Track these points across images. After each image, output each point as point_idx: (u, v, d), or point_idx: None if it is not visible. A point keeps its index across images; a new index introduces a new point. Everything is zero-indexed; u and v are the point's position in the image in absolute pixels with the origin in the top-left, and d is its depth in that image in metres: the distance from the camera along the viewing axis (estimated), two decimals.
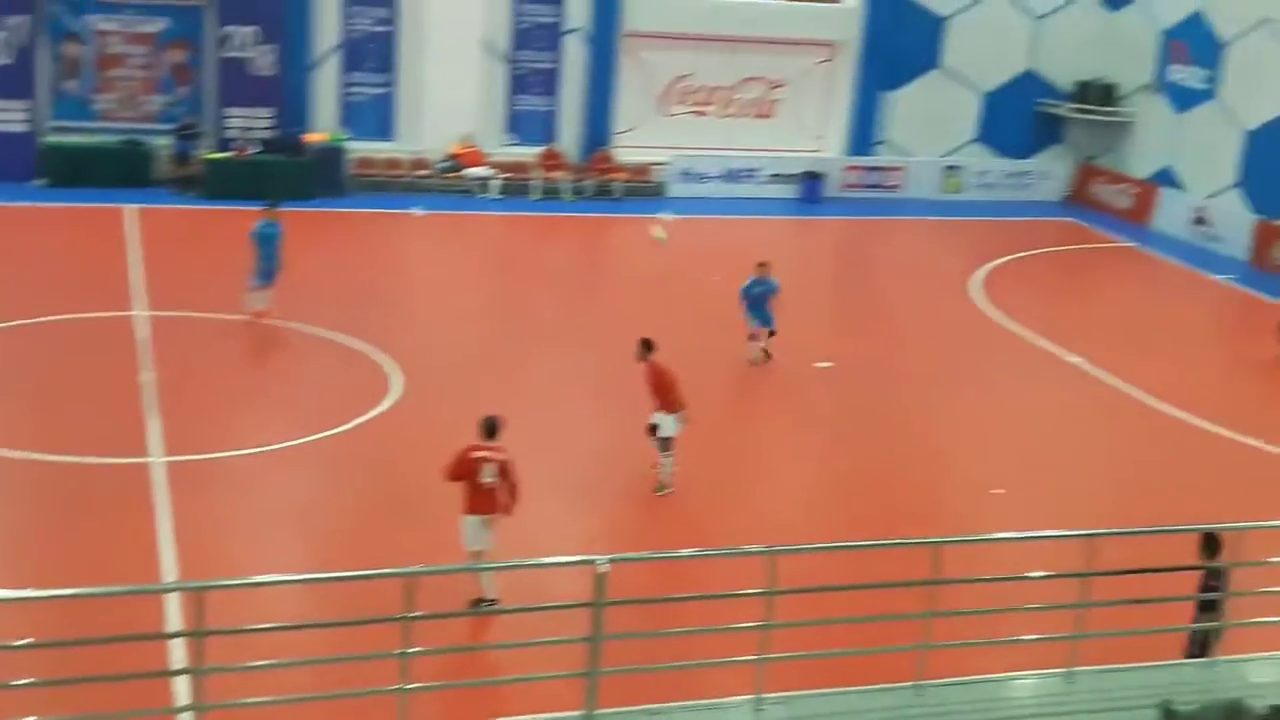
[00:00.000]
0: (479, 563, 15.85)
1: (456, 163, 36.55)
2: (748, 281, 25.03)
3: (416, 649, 10.23)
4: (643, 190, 38.03)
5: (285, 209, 26.21)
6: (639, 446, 20.05)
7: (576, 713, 10.57)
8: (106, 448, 19.48)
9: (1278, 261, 30.69)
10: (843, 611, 12.27)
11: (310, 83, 35.97)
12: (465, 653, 14.14)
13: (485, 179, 36.41)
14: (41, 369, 22.49)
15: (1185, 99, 38.93)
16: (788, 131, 40.13)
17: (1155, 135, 39.98)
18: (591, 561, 10.25)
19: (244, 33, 34.77)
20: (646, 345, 19.85)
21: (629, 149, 38.42)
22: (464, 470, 15.98)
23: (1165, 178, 39.43)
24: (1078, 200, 41.49)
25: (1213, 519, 17.72)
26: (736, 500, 19.93)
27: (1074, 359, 26.65)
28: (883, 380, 24.95)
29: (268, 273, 25.13)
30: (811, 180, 39.10)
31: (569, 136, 37.88)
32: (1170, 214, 38.64)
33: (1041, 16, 40.73)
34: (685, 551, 15.24)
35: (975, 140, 41.38)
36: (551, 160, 37.17)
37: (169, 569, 16.29)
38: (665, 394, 19.53)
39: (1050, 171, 41.82)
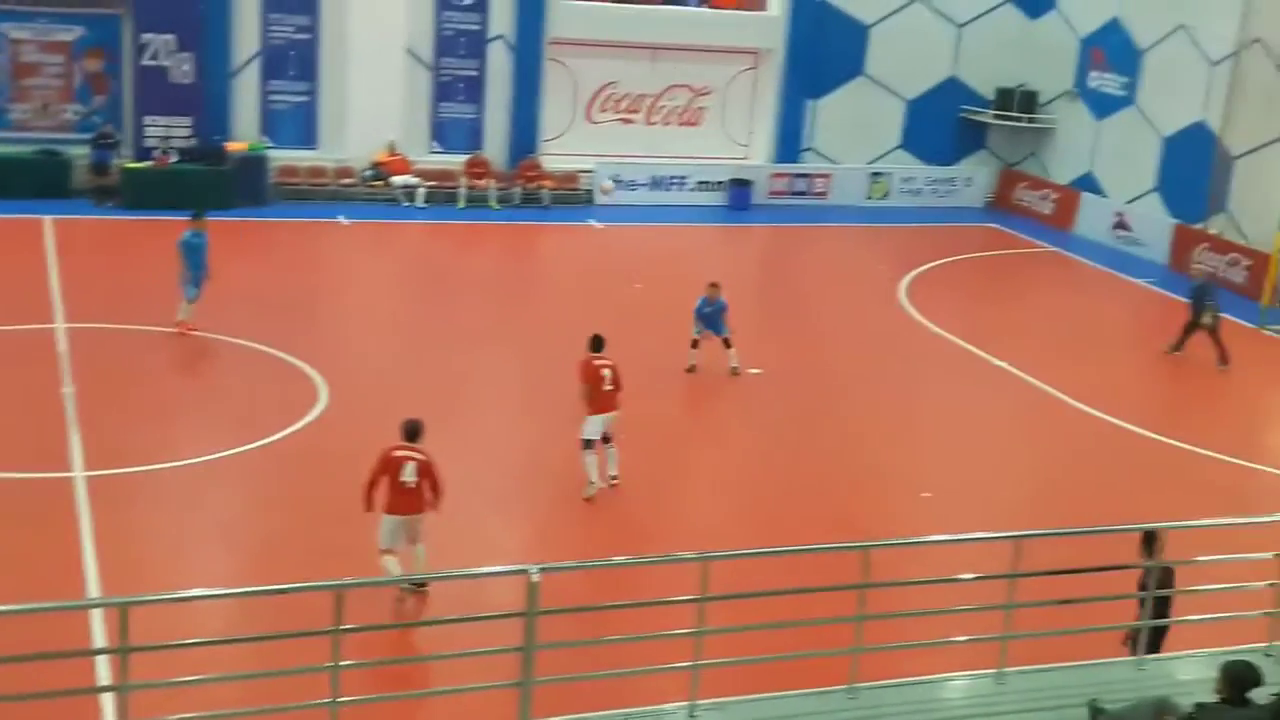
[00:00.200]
0: (392, 562, 16.02)
1: (381, 171, 36.36)
2: (698, 302, 25.05)
3: (347, 662, 10.12)
4: (570, 198, 38.00)
5: (209, 219, 25.88)
6: (569, 452, 20.07)
7: None
8: (28, 462, 19.16)
9: (1194, 265, 31.07)
10: (776, 616, 12.26)
11: (230, 91, 35.63)
12: (397, 665, 14.01)
13: (411, 187, 36.24)
14: None
15: (1104, 105, 39.37)
16: (714, 139, 40.26)
17: (1076, 141, 40.41)
18: (524, 570, 10.18)
19: (162, 40, 34.40)
20: (589, 342, 20.07)
21: (556, 157, 38.37)
22: (385, 468, 16.07)
23: (1086, 183, 39.87)
24: (1000, 206, 41.89)
25: (1134, 518, 17.92)
26: (667, 506, 19.96)
27: (1000, 362, 26.86)
28: (812, 386, 25.04)
29: (197, 283, 24.87)
30: (739, 187, 39.21)
31: (495, 144, 37.76)
32: (1091, 219, 39.09)
33: (963, 24, 41.04)
34: (618, 559, 15.23)
35: (900, 147, 41.64)
36: (477, 168, 37.03)
37: (93, 584, 16.07)
38: (588, 393, 19.63)
39: (973, 178, 42.20)
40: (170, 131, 34.61)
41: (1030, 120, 41.21)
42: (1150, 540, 13.78)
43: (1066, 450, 23.32)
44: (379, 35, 36.03)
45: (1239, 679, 10.55)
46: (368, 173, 36.35)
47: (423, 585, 16.22)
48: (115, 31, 34.61)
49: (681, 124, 40.18)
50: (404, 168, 36.49)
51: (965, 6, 40.88)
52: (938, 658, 13.38)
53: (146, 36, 34.33)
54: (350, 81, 36.06)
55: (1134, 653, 12.85)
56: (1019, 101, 41.01)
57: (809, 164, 40.70)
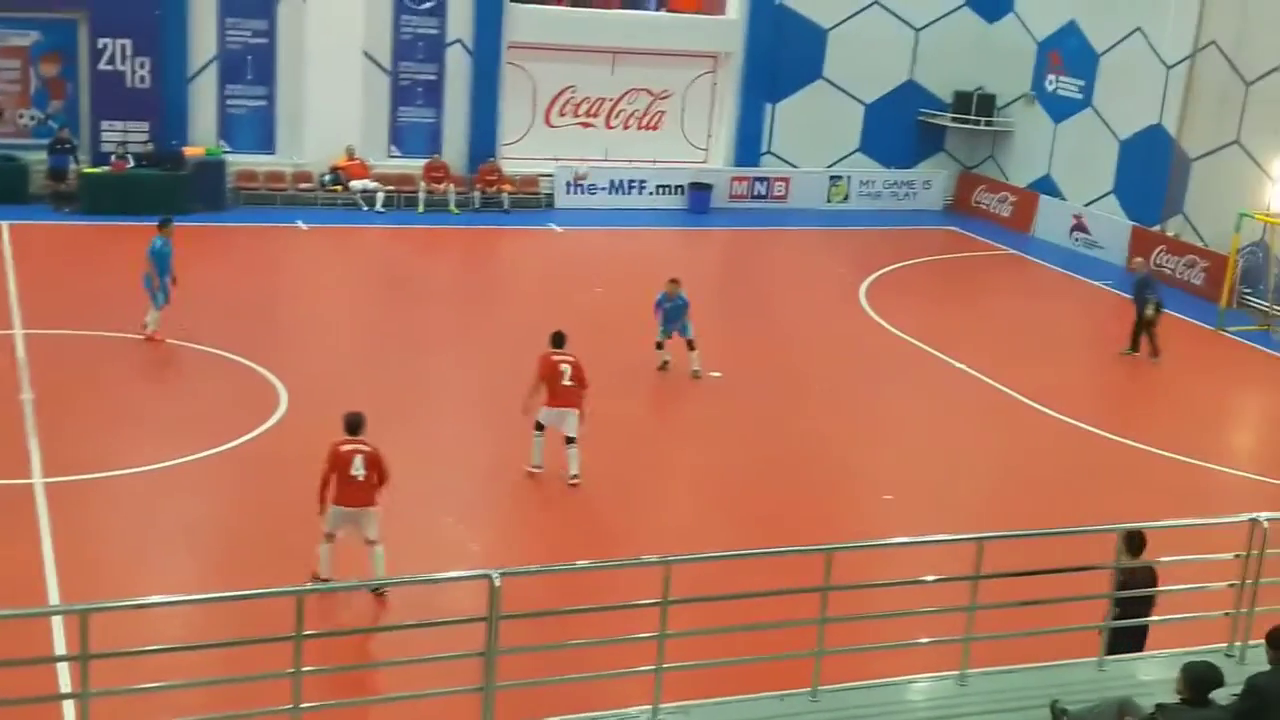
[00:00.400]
0: (325, 550, 16.22)
1: (340, 175, 36.24)
2: (659, 296, 25.14)
3: (309, 668, 10.08)
4: (530, 202, 37.98)
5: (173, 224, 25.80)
6: (529, 452, 20.27)
7: None
8: None
9: (1134, 259, 31.28)
10: (739, 618, 12.26)
11: (188, 95, 35.44)
12: (360, 670, 13.96)
13: (370, 192, 36.14)
14: None
15: (1062, 108, 39.58)
16: (674, 143, 40.27)
17: (1033, 144, 40.61)
18: (486, 575, 10.16)
19: (118, 45, 34.19)
20: (550, 338, 20.40)
21: (515, 161, 38.33)
22: (335, 465, 16.14)
23: (1044, 186, 40.06)
24: (959, 209, 42.06)
25: (1094, 518, 18.05)
26: (630, 508, 20.00)
27: (959, 364, 26.96)
28: (773, 389, 25.08)
29: (165, 290, 24.73)
30: (699, 191, 39.25)
31: (454, 148, 37.68)
32: (1050, 222, 39.30)
33: (921, 28, 41.18)
34: (581, 563, 15.21)
35: (859, 150, 41.75)
36: (436, 172, 36.95)
37: (54, 591, 15.97)
38: (539, 387, 19.98)
39: (932, 180, 42.34)
40: (127, 136, 34.44)
41: (988, 123, 41.41)
42: (1133, 540, 13.87)
43: (1026, 451, 23.43)
44: (336, 39, 35.91)
45: (1200, 679, 10.61)
46: (326, 177, 36.22)
47: (380, 591, 16.28)
48: (72, 36, 34.37)
49: (641, 128, 40.15)
50: (362, 172, 36.38)
51: (923, 10, 41.03)
52: (901, 660, 13.41)
53: (103, 41, 34.12)
54: (308, 86, 35.93)
55: (1109, 652, 12.92)
56: (977, 105, 41.20)
57: (768, 167, 40.77)
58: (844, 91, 41.04)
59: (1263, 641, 11.14)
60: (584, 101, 39.42)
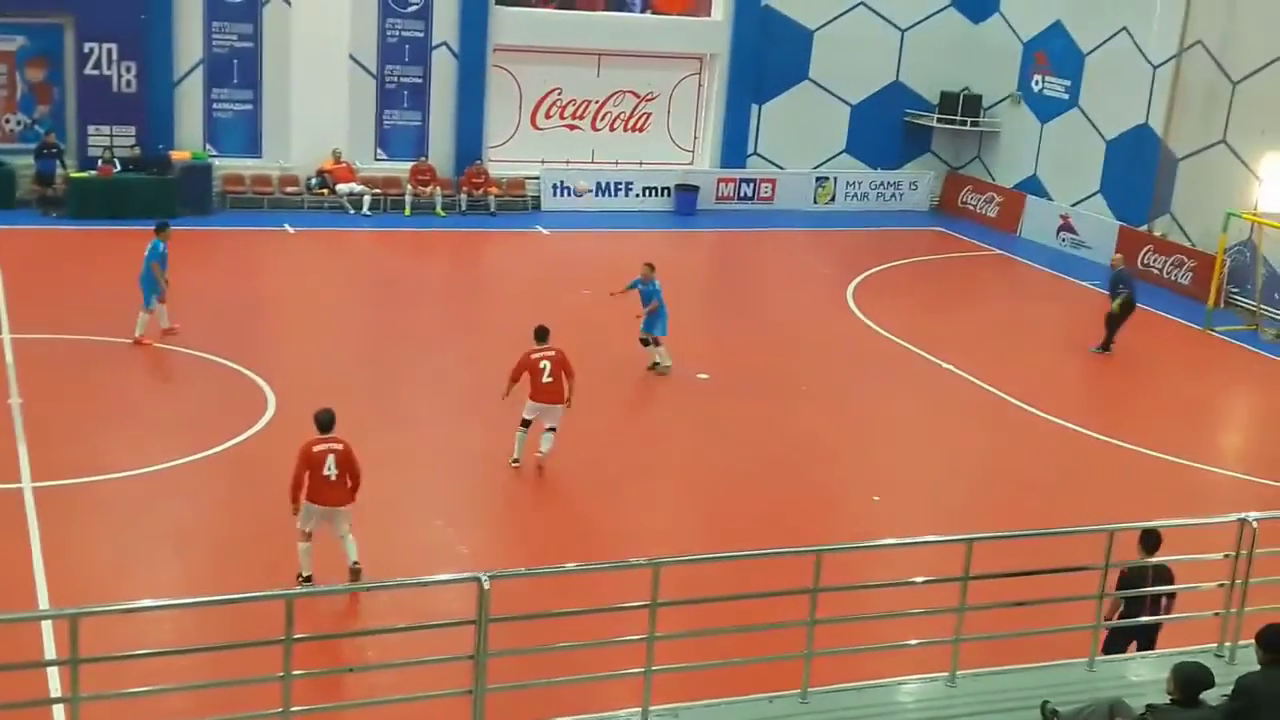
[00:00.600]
0: (305, 550, 16.34)
1: (326, 179, 36.19)
2: (635, 279, 25.29)
3: (299, 672, 10.06)
4: (516, 204, 37.97)
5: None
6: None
7: None
8: None
9: (1114, 255, 31.35)
10: (728, 620, 12.26)
11: (174, 99, 35.37)
12: (350, 674, 13.93)
13: (356, 195, 36.10)
14: None
15: (1048, 108, 39.64)
16: (660, 145, 40.26)
17: (1020, 144, 40.67)
18: (475, 578, 10.15)
19: (104, 49, 34.11)
20: (534, 333, 20.73)
21: (502, 163, 38.31)
22: (307, 465, 16.30)
23: (1031, 186, 40.12)
24: (946, 210, 42.11)
25: (1082, 519, 18.06)
26: (618, 510, 19.98)
27: (946, 365, 26.98)
28: (761, 390, 25.06)
29: (160, 294, 24.80)
30: (686, 193, 39.25)
31: (440, 151, 37.64)
32: (1036, 222, 39.37)
33: (906, 28, 41.23)
34: (569, 565, 15.19)
35: (845, 151, 41.78)
36: (422, 175, 36.91)
37: (43, 596, 15.94)
38: (529, 382, 20.35)
39: (918, 181, 42.37)
40: (114, 140, 34.35)
41: (974, 124, 41.47)
42: (1149, 539, 13.93)
43: (1014, 452, 23.46)
44: (322, 43, 35.86)
45: (1190, 680, 10.62)
46: (313, 181, 36.17)
47: (356, 569, 16.50)
48: (58, 40, 34.28)
49: (627, 130, 40.14)
50: (349, 175, 36.34)
51: (908, 11, 41.09)
52: (890, 661, 13.41)
53: (89, 45, 34.03)
54: (294, 89, 35.88)
55: (1118, 650, 12.95)
56: (963, 105, 41.26)
57: (755, 169, 40.79)
58: (830, 93, 41.08)
59: (1252, 642, 11.14)
60: (570, 104, 39.40)
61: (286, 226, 34.35)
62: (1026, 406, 25.09)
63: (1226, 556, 12.58)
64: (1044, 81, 39.71)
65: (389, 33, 36.93)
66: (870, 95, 41.52)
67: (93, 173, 33.73)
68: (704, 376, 25.40)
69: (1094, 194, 38.01)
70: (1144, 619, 13.81)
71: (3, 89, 34.22)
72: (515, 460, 20.52)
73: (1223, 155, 34.04)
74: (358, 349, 25.98)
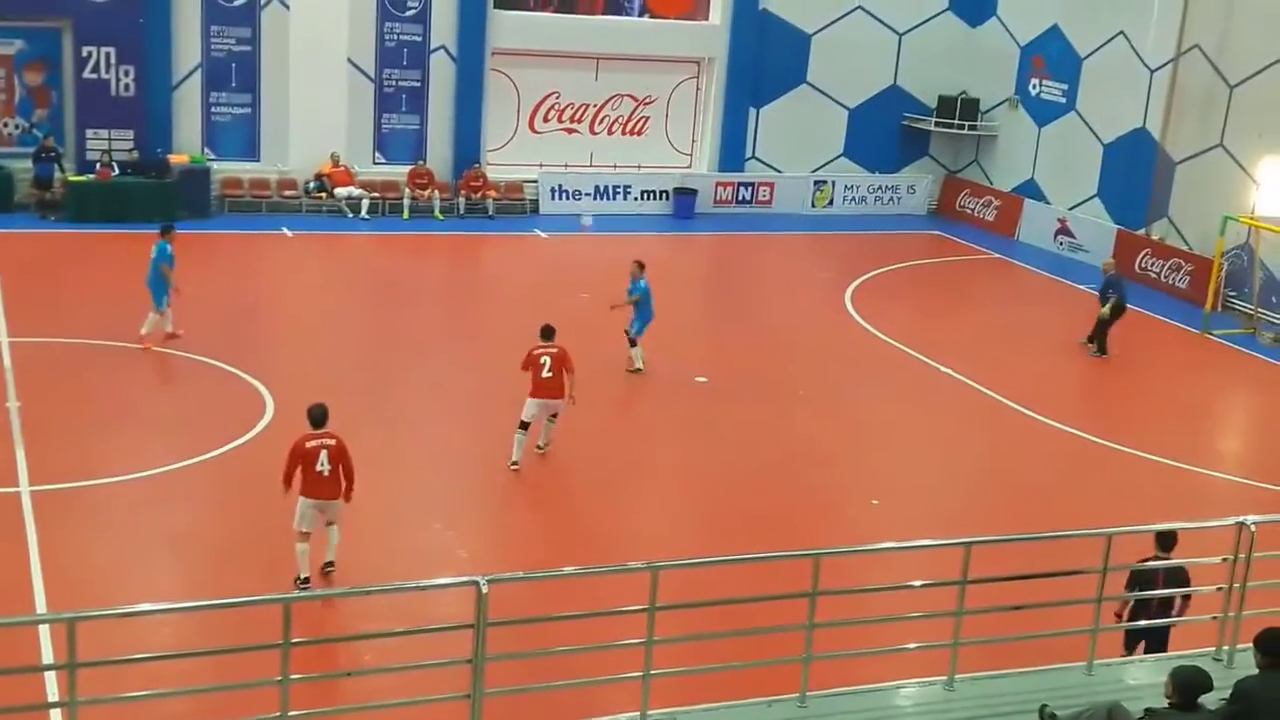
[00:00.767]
0: (303, 550, 16.62)
1: (325, 182, 36.19)
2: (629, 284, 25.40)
3: (296, 676, 10.06)
4: (515, 208, 37.98)
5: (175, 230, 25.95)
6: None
7: None
8: None
9: (1107, 260, 31.35)
10: (726, 624, 12.26)
11: (172, 103, 35.37)
12: (348, 678, 13.92)
13: (355, 198, 36.10)
14: None
15: (1045, 112, 39.66)
16: (658, 148, 40.27)
17: (1017, 148, 40.68)
18: (474, 582, 10.15)
19: (103, 53, 34.11)
20: (540, 331, 21.02)
21: (500, 167, 38.32)
22: (299, 459, 16.54)
23: (1028, 190, 40.14)
24: (944, 213, 42.13)
25: (1080, 522, 18.04)
26: (617, 513, 20.00)
27: (945, 369, 26.99)
28: (759, 393, 25.07)
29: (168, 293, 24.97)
30: (684, 196, 39.26)
31: (439, 155, 37.63)
32: (1034, 225, 39.38)
33: (904, 32, 41.24)
34: (568, 569, 15.19)
35: (842, 155, 41.79)
36: (421, 179, 36.92)
37: (41, 600, 15.94)
38: (530, 378, 20.62)
39: (916, 185, 42.38)
40: (112, 144, 34.34)
41: (972, 128, 41.49)
42: (1165, 539, 13.96)
43: (1012, 455, 23.47)
44: (320, 46, 35.84)
45: (1189, 684, 10.61)
46: (311, 184, 36.18)
47: (330, 567, 16.88)
48: (56, 44, 34.29)
49: (625, 133, 40.16)
50: (347, 179, 36.34)
51: (906, 15, 41.11)
52: (889, 665, 13.40)
53: (88, 49, 34.04)
54: (292, 93, 35.86)
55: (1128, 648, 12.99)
56: (960, 109, 41.27)
57: (753, 172, 40.81)
58: (828, 96, 41.09)
59: (1251, 645, 11.14)
60: (568, 107, 39.41)
61: (285, 230, 34.36)
62: (1024, 410, 25.09)
63: (1225, 560, 12.58)
64: (1041, 85, 39.73)
65: (387, 36, 36.94)
66: (868, 99, 41.53)
67: (91, 176, 33.72)
68: (702, 379, 25.41)
69: (1091, 198, 38.03)
70: (1158, 621, 13.83)
71: (1, 93, 34.21)
72: (514, 463, 20.57)
73: (1220, 159, 34.06)
74: (356, 352, 25.97)
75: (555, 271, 33.21)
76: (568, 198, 38.60)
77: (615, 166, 39.58)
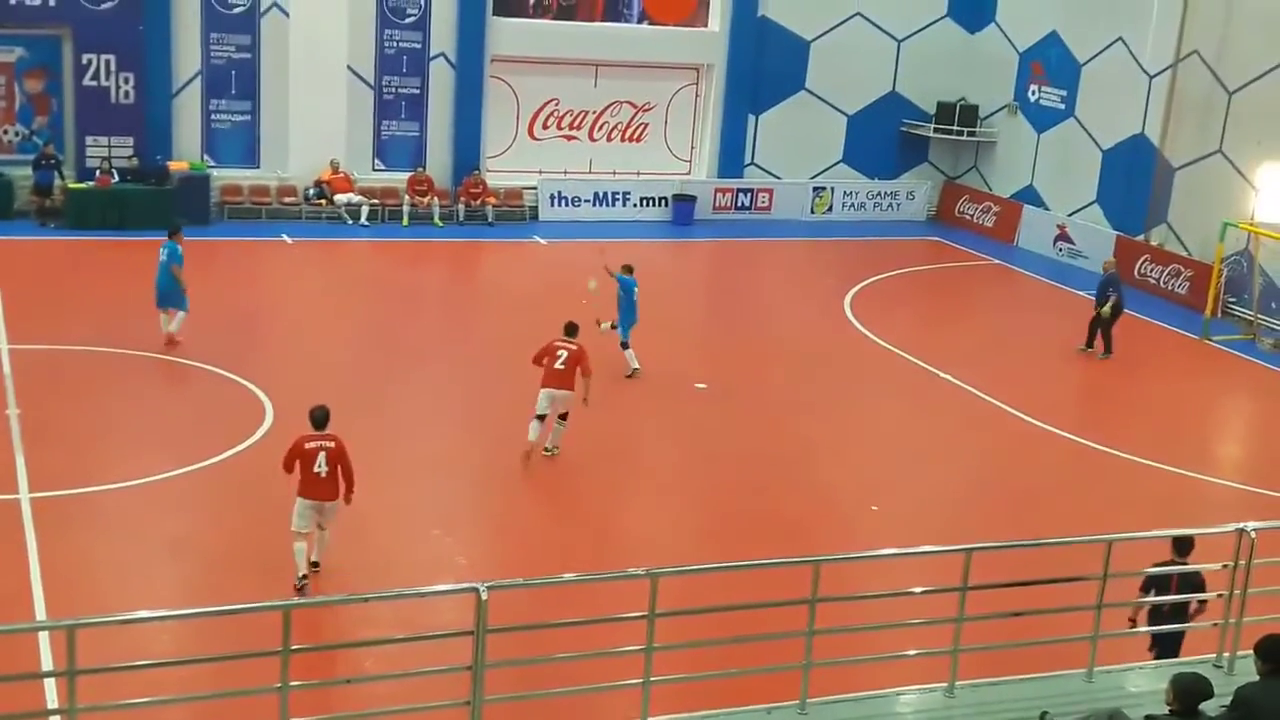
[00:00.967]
0: (300, 550, 16.81)
1: (325, 189, 36.20)
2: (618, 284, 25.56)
3: (296, 683, 10.05)
4: (514, 214, 37.99)
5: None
6: (517, 466, 20.58)
7: None
8: None
9: (1105, 260, 31.38)
10: (726, 631, 12.26)
11: (172, 110, 35.41)
12: (348, 684, 13.91)
13: (354, 205, 36.11)
14: None
15: (1044, 118, 39.67)
16: (657, 155, 40.30)
17: (1016, 154, 40.68)
18: (473, 588, 10.14)
19: (103, 60, 34.14)
20: (565, 327, 21.60)
21: (500, 174, 38.34)
22: (298, 459, 16.68)
23: (1027, 196, 40.14)
24: (943, 219, 42.14)
25: (1080, 528, 18.02)
26: (617, 519, 20.00)
27: (944, 375, 26.98)
28: (759, 399, 25.08)
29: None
30: (683, 203, 39.28)
31: (438, 162, 37.65)
32: (1033, 232, 39.38)
33: (903, 39, 41.26)
34: (567, 576, 15.18)
35: (841, 161, 41.81)
36: (420, 186, 36.93)
37: (41, 607, 15.94)
38: (543, 368, 21.01)
39: (915, 191, 42.39)
40: (112, 151, 34.36)
41: (971, 134, 41.48)
42: (1181, 544, 13.97)
43: (1012, 462, 23.47)
44: (320, 53, 35.86)
45: (1189, 691, 10.59)
46: (311, 191, 36.20)
47: (315, 566, 17.00)
48: (56, 52, 34.31)
49: (624, 140, 40.17)
50: (347, 186, 36.36)
51: (905, 21, 41.12)
52: (889, 672, 13.39)
53: (87, 57, 34.07)
54: (292, 100, 35.87)
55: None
56: (959, 115, 41.26)
57: (752, 179, 40.82)
58: (827, 103, 41.12)
59: (1251, 652, 11.13)
60: (567, 114, 39.43)
61: (284, 237, 34.38)
62: (1024, 416, 25.09)
63: (1225, 567, 12.57)
64: (1040, 91, 39.75)
65: (387, 43, 36.97)
66: (867, 105, 41.55)
67: (91, 184, 33.73)
68: (702, 386, 25.41)
69: (1090, 204, 38.05)
70: (1174, 626, 13.84)
71: (1, 100, 34.23)
72: (545, 449, 21.16)
73: (1219, 165, 34.07)
74: (356, 359, 25.95)
75: (555, 278, 33.16)
76: (567, 204, 38.62)
77: (614, 173, 39.62)
